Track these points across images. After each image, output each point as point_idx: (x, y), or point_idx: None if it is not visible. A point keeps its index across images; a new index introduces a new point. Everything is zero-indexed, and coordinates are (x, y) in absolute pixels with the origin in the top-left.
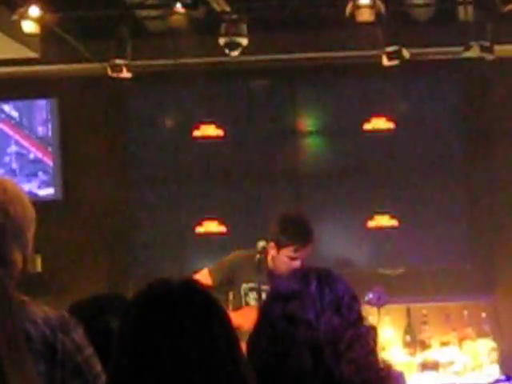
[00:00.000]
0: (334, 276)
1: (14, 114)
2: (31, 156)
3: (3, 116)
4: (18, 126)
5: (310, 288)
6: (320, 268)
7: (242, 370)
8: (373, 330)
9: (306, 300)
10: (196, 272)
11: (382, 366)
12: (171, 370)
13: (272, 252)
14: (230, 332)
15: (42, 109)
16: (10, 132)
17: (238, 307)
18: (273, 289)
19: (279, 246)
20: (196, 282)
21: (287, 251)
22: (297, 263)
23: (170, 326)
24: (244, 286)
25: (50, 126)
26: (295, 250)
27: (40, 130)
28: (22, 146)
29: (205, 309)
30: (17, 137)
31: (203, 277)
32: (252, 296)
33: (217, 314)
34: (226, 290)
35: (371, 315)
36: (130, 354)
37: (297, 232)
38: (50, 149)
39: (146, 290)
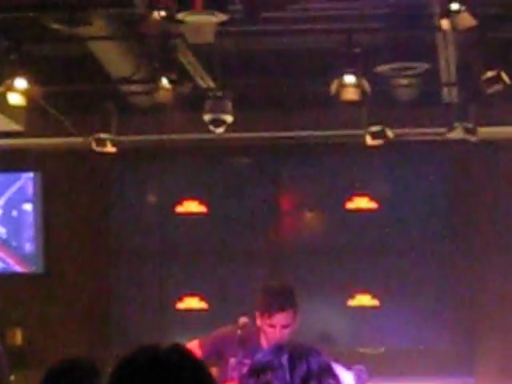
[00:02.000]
0: (307, 350)
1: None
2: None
3: None
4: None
5: (281, 359)
6: (296, 342)
7: None
8: None
9: (277, 371)
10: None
11: None
12: None
13: (258, 322)
14: None
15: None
16: None
17: (223, 381)
18: (252, 362)
19: (260, 316)
20: (184, 348)
21: (265, 318)
22: (280, 332)
23: None
24: (232, 360)
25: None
26: (269, 316)
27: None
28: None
29: (194, 375)
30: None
31: (193, 347)
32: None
33: (207, 381)
34: (211, 363)
35: None
36: None
37: (271, 298)
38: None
39: (132, 357)
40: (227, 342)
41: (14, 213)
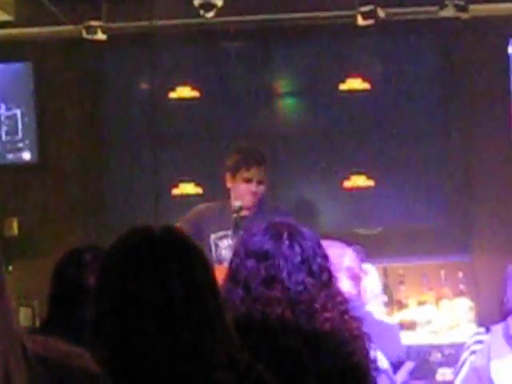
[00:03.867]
0: (303, 233)
1: None
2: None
3: None
4: None
5: (282, 247)
6: (290, 223)
7: (224, 315)
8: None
9: (279, 259)
10: None
11: (355, 324)
12: (154, 312)
13: (229, 185)
14: (211, 276)
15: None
16: None
17: None
18: (244, 244)
19: (233, 174)
20: (175, 228)
21: (241, 173)
22: (256, 187)
23: (153, 267)
24: (212, 236)
25: (24, 89)
26: (247, 170)
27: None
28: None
29: (187, 252)
30: None
31: None
32: (224, 245)
33: (199, 258)
34: None
35: None
36: (114, 296)
37: (249, 154)
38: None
39: (128, 235)
40: (209, 218)
41: (5, 103)
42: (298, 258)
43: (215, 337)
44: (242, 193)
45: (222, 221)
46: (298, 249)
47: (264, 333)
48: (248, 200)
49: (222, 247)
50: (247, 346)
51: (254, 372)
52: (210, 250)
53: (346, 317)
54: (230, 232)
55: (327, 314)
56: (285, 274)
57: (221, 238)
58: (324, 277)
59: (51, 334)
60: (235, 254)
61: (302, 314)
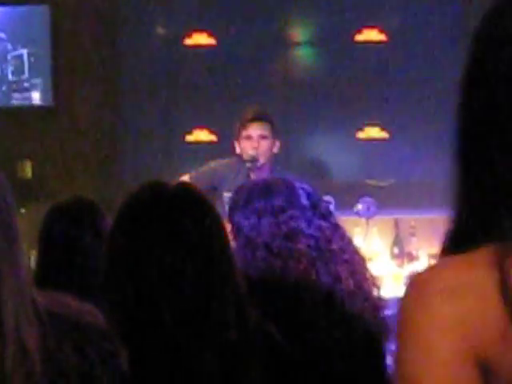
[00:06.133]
0: (298, 184)
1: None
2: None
3: None
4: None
5: (292, 199)
6: (284, 178)
7: (234, 273)
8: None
9: (295, 211)
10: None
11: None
12: (165, 270)
13: (238, 149)
14: (224, 235)
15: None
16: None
17: None
18: (264, 205)
19: (237, 139)
20: (190, 185)
21: (242, 132)
22: (258, 143)
23: (164, 225)
24: (225, 195)
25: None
26: (246, 128)
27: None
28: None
29: (201, 210)
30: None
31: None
32: None
33: (213, 216)
34: None
35: (359, 226)
36: (124, 253)
37: (248, 112)
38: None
39: (139, 191)
40: (225, 175)
41: (23, 47)
42: (308, 203)
43: (225, 296)
44: (245, 151)
45: (237, 178)
46: (304, 195)
47: (283, 290)
48: (250, 153)
49: None
50: (263, 303)
51: (261, 332)
52: (223, 208)
53: (360, 259)
54: None
55: (345, 256)
56: (303, 224)
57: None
58: (333, 219)
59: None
60: (242, 216)
61: (323, 260)
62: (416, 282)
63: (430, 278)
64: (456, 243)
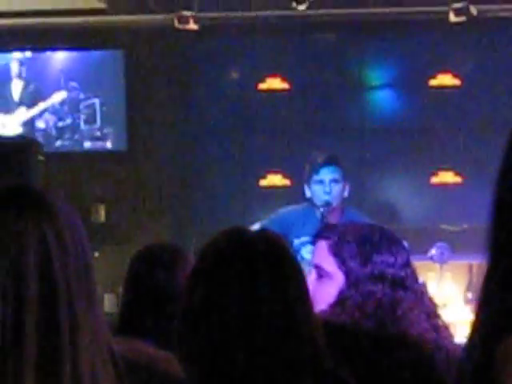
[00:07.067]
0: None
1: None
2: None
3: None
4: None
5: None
6: (380, 227)
7: (312, 324)
8: None
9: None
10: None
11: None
12: (238, 321)
13: (308, 193)
14: (304, 289)
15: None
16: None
17: None
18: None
19: (308, 184)
20: (271, 232)
21: (315, 177)
22: (330, 187)
23: (241, 275)
24: (296, 241)
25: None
26: (317, 172)
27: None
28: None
29: (281, 262)
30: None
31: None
32: (305, 251)
33: (293, 269)
34: None
35: (433, 271)
36: (198, 300)
37: (318, 157)
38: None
39: (218, 239)
40: (294, 222)
41: (95, 96)
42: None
43: (301, 342)
44: (318, 196)
45: (307, 225)
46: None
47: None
48: (323, 199)
49: (305, 252)
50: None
51: (336, 376)
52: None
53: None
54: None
55: (412, 314)
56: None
57: (302, 244)
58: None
59: (131, 334)
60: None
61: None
62: None
63: None
64: None
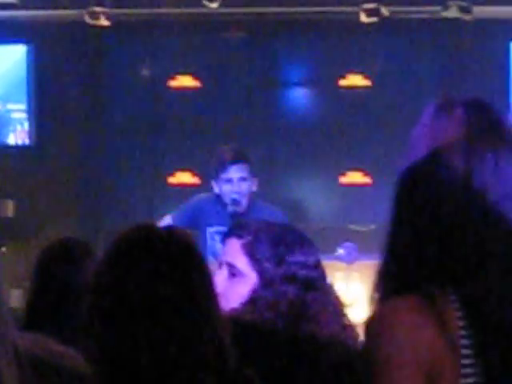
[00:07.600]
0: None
1: None
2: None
3: None
4: None
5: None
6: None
7: (217, 319)
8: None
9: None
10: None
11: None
12: (145, 313)
13: (216, 190)
14: (208, 282)
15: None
16: None
17: None
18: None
19: (215, 179)
20: (179, 230)
21: (220, 175)
22: (238, 185)
23: (151, 270)
24: (209, 229)
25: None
26: (224, 171)
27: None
28: None
29: (186, 257)
30: None
31: (166, 223)
32: (218, 240)
33: (198, 264)
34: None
35: (340, 271)
36: (106, 294)
37: (224, 154)
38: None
39: (127, 235)
40: (206, 210)
41: (6, 85)
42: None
43: (204, 340)
44: (227, 194)
45: (218, 214)
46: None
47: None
48: (231, 197)
49: (218, 241)
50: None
51: (241, 376)
52: (206, 242)
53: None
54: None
55: (323, 315)
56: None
57: (216, 233)
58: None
59: (38, 328)
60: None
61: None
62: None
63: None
64: (400, 286)
